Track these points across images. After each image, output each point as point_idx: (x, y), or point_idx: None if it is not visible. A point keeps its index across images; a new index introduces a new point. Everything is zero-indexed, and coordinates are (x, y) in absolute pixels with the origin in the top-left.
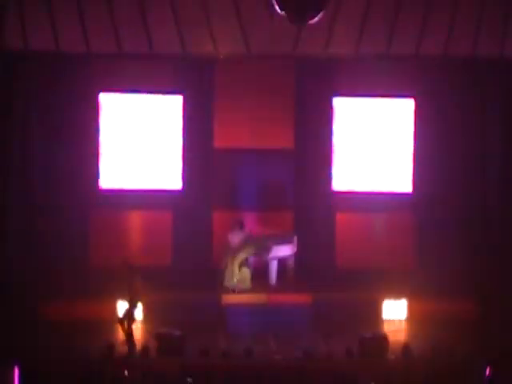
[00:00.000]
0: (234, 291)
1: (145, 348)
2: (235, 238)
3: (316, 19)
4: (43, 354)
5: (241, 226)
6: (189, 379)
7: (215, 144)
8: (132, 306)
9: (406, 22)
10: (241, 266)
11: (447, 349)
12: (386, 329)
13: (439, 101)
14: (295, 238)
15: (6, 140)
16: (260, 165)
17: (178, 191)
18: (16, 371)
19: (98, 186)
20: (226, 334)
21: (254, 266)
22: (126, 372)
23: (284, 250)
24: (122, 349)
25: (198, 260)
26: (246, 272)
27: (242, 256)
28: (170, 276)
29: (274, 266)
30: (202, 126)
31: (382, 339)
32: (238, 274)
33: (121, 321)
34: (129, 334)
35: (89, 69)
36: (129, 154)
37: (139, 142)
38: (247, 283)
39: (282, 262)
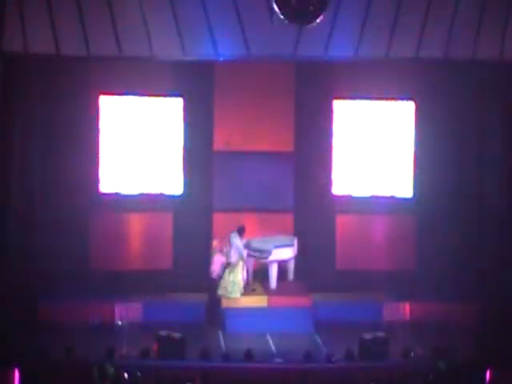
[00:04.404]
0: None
1: (145, 350)
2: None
3: (316, 22)
4: (43, 355)
5: (241, 231)
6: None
7: (215, 146)
8: None
9: (406, 25)
10: (235, 274)
11: (447, 351)
12: (387, 331)
13: (439, 103)
14: (295, 241)
15: (5, 142)
16: (260, 167)
17: (178, 194)
18: (16, 373)
19: (98, 190)
20: (226, 337)
21: (254, 269)
22: (125, 374)
23: (284, 253)
24: None
25: (199, 263)
26: (239, 281)
27: (237, 266)
28: (170, 278)
29: (274, 269)
30: (203, 128)
31: (383, 341)
32: (231, 283)
33: None
34: None
35: (88, 71)
36: (129, 156)
37: (139, 144)
38: (238, 292)
39: (282, 264)
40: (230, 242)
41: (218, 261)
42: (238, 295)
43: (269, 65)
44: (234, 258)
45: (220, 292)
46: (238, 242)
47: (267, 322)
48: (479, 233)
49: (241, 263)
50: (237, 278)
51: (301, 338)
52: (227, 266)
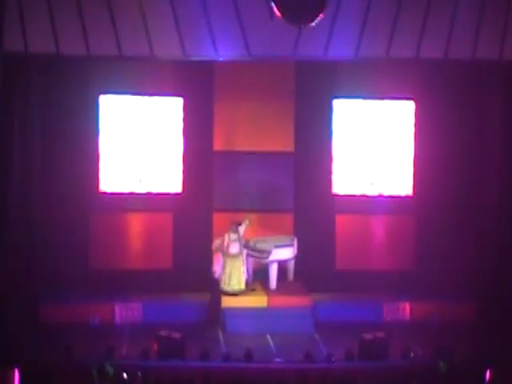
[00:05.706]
0: (230, 294)
1: (145, 350)
2: (232, 244)
3: (315, 22)
4: (43, 355)
5: (238, 225)
6: None
7: (215, 146)
8: None
9: (406, 25)
10: (237, 268)
11: (447, 351)
12: (387, 331)
13: (439, 103)
14: (295, 241)
15: (5, 142)
16: (260, 167)
17: (178, 193)
18: (16, 373)
19: (98, 190)
20: (226, 337)
21: (253, 269)
22: (125, 375)
23: (284, 253)
24: None
25: (199, 262)
26: (241, 274)
27: (238, 259)
28: (170, 278)
29: (274, 269)
30: (203, 128)
31: (382, 341)
32: (235, 277)
33: None
34: None
35: (89, 71)
36: (129, 156)
37: (139, 144)
38: (242, 286)
39: (282, 264)
40: (232, 234)
41: (219, 260)
42: (240, 287)
43: (269, 65)
44: (234, 249)
45: (222, 287)
46: (241, 231)
47: (267, 322)
48: (479, 232)
49: (241, 257)
50: (237, 270)
51: (301, 338)
52: (225, 257)
